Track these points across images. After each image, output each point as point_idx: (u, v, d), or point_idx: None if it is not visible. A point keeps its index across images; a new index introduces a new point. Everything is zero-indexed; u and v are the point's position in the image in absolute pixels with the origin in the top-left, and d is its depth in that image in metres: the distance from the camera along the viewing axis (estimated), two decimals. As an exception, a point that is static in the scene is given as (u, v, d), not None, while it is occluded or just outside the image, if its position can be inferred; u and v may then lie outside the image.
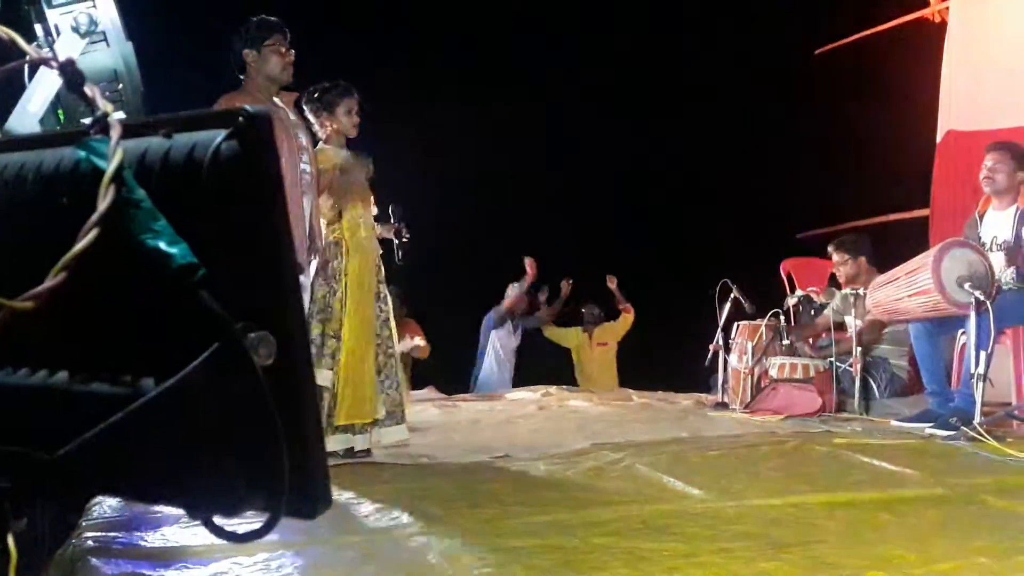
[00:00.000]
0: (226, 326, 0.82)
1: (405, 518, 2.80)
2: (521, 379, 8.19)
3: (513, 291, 8.52)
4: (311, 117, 4.18)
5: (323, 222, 4.08)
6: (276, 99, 3.78)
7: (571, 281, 8.78)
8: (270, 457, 0.86)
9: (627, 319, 8.75)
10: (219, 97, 3.66)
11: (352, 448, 3.94)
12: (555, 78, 8.93)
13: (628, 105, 9.35)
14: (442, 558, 2.31)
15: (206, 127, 0.87)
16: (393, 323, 4.26)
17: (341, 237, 4.02)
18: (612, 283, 8.76)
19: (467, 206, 8.36)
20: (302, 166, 3.78)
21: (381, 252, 4.26)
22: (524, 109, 8.81)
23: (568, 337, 8.94)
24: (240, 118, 0.84)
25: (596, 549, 2.41)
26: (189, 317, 0.84)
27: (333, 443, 3.85)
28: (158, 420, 0.85)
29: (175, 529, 2.51)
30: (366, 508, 2.95)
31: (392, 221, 4.48)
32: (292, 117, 3.84)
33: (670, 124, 9.16)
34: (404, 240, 4.45)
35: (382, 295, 4.15)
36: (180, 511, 2.03)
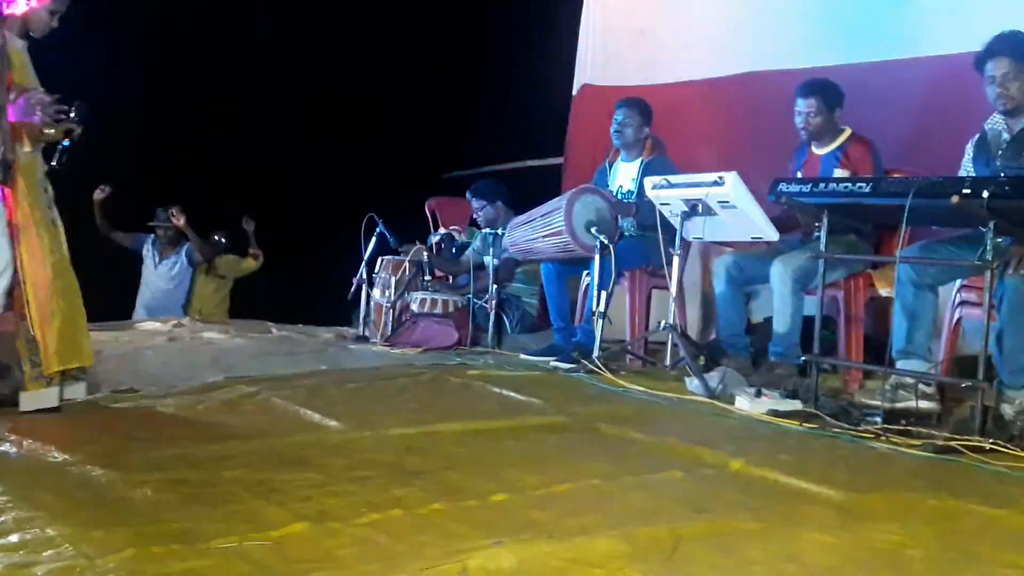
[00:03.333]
0: None
1: (9, 451, 2.60)
2: None
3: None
4: None
5: None
6: None
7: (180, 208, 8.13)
8: None
9: (252, 263, 8.44)
10: None
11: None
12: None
13: (277, 42, 8.96)
14: (54, 493, 2.14)
15: None
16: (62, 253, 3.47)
17: None
18: (249, 226, 8.44)
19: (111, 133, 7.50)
20: None
21: (47, 169, 3.49)
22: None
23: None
24: None
25: (226, 482, 2.34)
26: None
27: (45, 398, 3.27)
28: None
29: None
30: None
31: (72, 117, 3.42)
32: None
33: (315, 59, 8.93)
34: (74, 142, 3.44)
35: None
36: None
